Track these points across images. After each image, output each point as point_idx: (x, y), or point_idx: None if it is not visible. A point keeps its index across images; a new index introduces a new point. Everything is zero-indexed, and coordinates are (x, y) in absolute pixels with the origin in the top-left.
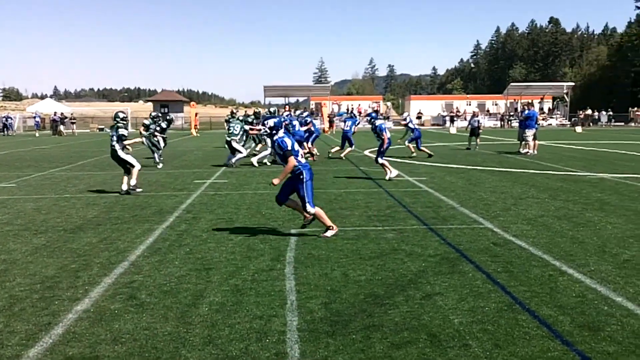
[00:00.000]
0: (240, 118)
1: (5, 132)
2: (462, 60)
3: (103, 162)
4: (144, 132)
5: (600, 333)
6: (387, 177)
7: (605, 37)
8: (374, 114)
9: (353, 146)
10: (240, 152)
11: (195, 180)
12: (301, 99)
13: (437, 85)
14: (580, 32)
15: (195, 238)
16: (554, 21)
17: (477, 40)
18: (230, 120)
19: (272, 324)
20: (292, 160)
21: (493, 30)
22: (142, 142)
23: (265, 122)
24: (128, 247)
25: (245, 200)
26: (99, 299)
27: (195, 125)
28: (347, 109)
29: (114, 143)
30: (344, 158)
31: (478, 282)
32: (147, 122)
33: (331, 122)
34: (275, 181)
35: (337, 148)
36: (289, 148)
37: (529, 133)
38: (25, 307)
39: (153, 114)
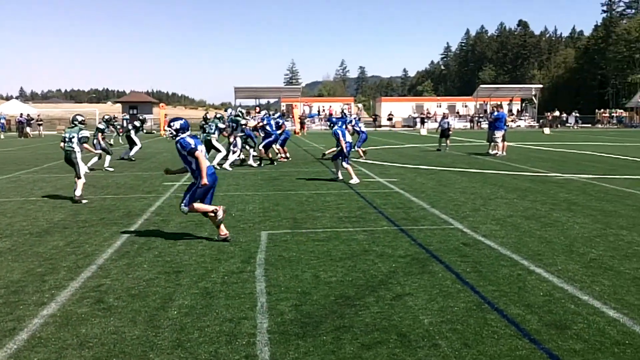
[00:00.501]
0: (218, 116)
1: None
2: (432, 62)
3: None
4: (100, 137)
5: (567, 331)
6: (351, 181)
7: (573, 40)
8: (334, 118)
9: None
10: (220, 150)
11: (165, 183)
12: (272, 101)
13: (407, 87)
14: (548, 35)
15: (164, 241)
16: (522, 24)
17: (447, 43)
18: (207, 122)
19: (242, 327)
20: (200, 155)
21: (463, 33)
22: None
23: (172, 124)
24: (96, 250)
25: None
26: (66, 303)
27: (165, 126)
28: (319, 111)
29: (74, 145)
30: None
31: (448, 282)
32: (101, 126)
33: (302, 124)
34: (203, 181)
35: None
36: (193, 146)
37: (498, 134)
38: None
39: (107, 117)
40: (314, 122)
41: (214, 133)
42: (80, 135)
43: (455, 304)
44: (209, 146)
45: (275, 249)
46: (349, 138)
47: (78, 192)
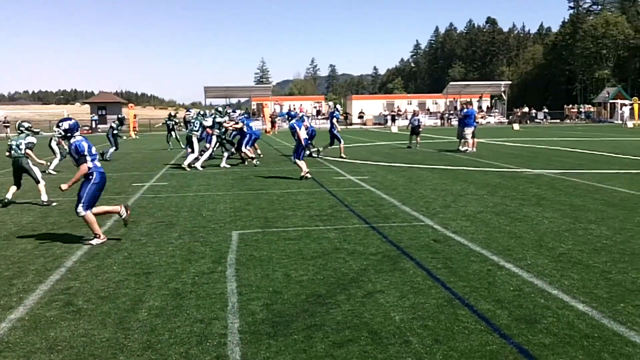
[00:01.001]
0: (202, 113)
1: None
2: (402, 60)
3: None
4: (63, 143)
5: (536, 325)
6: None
7: (541, 36)
8: (292, 113)
9: (341, 142)
10: (193, 151)
11: (134, 183)
12: (243, 100)
13: (378, 84)
14: (516, 32)
15: (134, 242)
16: (491, 21)
17: (417, 40)
18: (191, 119)
19: (213, 327)
20: (84, 166)
21: (432, 30)
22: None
23: (60, 124)
24: (64, 252)
25: (186, 203)
26: (34, 306)
27: (134, 127)
28: (289, 109)
29: (21, 152)
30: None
31: (418, 278)
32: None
33: (273, 123)
34: (64, 186)
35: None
36: (86, 152)
37: (468, 131)
38: None
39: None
40: (284, 121)
41: (197, 130)
42: (26, 142)
43: (427, 300)
44: (189, 142)
45: (246, 249)
46: (304, 134)
47: (44, 197)
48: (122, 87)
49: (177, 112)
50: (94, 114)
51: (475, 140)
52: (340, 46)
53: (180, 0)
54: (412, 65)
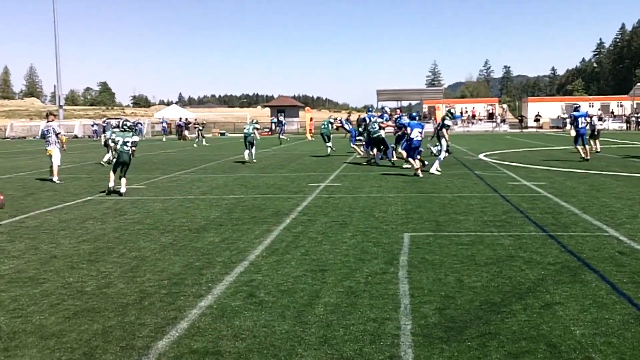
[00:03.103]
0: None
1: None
2: (583, 60)
3: (224, 165)
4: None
5: None
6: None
7: None
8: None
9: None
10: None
11: (310, 184)
12: (414, 102)
13: (556, 86)
14: None
15: (310, 240)
16: None
17: (600, 39)
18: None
19: (386, 327)
20: None
21: (618, 28)
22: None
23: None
24: (248, 247)
25: (359, 204)
26: (221, 296)
27: (310, 129)
28: (461, 112)
29: (128, 147)
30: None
31: (602, 292)
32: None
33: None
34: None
35: None
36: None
37: None
38: (154, 301)
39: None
40: (456, 124)
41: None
42: (133, 139)
43: (611, 315)
44: (379, 143)
45: (418, 252)
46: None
47: (123, 189)
48: (299, 91)
49: (349, 114)
50: (273, 117)
51: None
52: (515, 46)
53: (352, 5)
54: (595, 65)
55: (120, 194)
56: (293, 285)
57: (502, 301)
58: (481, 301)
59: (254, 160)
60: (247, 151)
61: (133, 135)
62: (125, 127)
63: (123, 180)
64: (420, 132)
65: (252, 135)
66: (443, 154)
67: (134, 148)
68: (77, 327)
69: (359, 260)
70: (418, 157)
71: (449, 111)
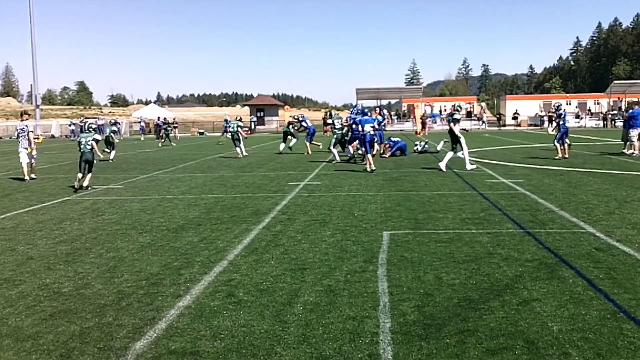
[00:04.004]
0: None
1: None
2: (561, 58)
3: (203, 164)
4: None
5: None
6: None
7: None
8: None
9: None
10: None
11: (290, 182)
12: (393, 101)
13: (534, 84)
14: None
15: (290, 239)
16: None
17: (577, 37)
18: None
19: (365, 325)
20: None
21: (594, 26)
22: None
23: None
24: (227, 246)
25: (338, 202)
26: (200, 295)
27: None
28: (440, 111)
29: (89, 147)
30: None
31: (579, 288)
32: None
33: (423, 124)
34: None
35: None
36: None
37: (634, 133)
38: (132, 302)
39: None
40: (435, 122)
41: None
42: (93, 137)
43: (587, 311)
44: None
45: (397, 249)
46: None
47: (86, 183)
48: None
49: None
50: (253, 116)
51: None
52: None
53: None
54: (572, 63)
55: (87, 188)
56: (272, 285)
57: (480, 298)
58: (459, 298)
59: (245, 154)
60: (237, 149)
61: (94, 134)
62: (90, 129)
63: (88, 175)
64: (372, 127)
65: (237, 132)
66: (466, 151)
67: (94, 143)
68: (54, 328)
69: (338, 259)
70: (373, 151)
71: (458, 105)
